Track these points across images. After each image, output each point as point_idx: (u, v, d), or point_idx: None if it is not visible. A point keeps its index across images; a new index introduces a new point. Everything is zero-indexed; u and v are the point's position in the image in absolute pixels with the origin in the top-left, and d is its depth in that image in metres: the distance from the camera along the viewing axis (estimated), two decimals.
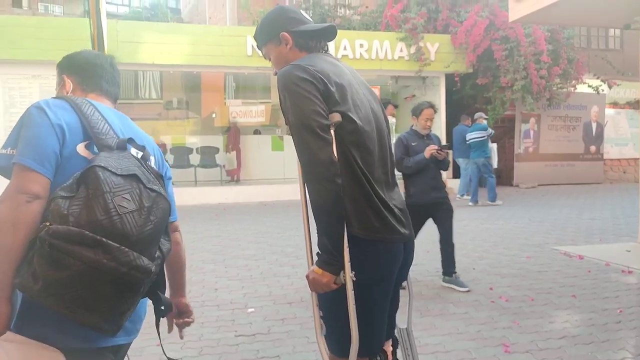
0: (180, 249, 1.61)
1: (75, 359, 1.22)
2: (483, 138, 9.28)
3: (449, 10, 11.64)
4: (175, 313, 1.64)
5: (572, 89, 12.51)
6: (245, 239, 6.43)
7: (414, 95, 12.53)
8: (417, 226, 3.97)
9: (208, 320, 3.47)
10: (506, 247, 5.59)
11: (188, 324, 1.68)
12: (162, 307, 1.39)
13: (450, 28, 11.38)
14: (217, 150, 11.14)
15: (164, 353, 1.53)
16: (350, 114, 1.46)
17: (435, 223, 4.17)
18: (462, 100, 12.31)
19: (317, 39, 1.62)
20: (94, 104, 1.36)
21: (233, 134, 11.44)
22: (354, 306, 1.42)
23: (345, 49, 10.60)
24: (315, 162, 1.37)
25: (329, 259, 1.40)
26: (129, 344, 1.43)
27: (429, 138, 4.17)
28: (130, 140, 1.33)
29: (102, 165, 1.17)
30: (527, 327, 3.22)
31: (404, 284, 1.77)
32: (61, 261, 1.08)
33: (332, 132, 1.42)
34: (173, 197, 1.49)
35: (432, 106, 4.14)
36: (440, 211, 4.12)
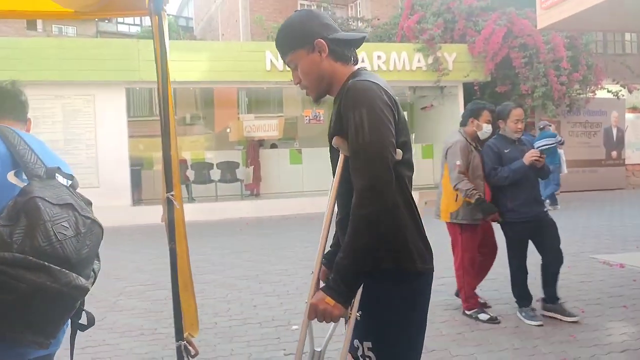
0: None
1: None
2: (552, 145, 9.08)
3: (466, 19, 11.63)
4: None
5: (592, 94, 12.38)
6: (274, 253, 6.37)
7: (432, 105, 12.50)
8: (523, 249, 3.55)
9: (253, 338, 3.41)
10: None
11: None
12: (86, 323, 1.50)
13: (468, 37, 11.36)
14: (237, 165, 11.16)
15: None
16: (408, 144, 1.42)
17: (536, 241, 3.61)
18: None
19: (352, 49, 1.50)
20: (16, 132, 1.39)
21: (252, 148, 11.47)
22: (348, 346, 1.37)
23: (362, 61, 10.61)
24: (377, 194, 1.27)
25: (347, 292, 1.31)
26: (53, 354, 1.53)
27: (521, 143, 3.67)
28: (57, 170, 1.39)
29: (41, 196, 1.25)
30: (585, 341, 3.11)
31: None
32: (7, 285, 1.16)
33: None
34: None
35: (520, 106, 3.73)
36: (546, 227, 3.56)
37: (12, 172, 1.32)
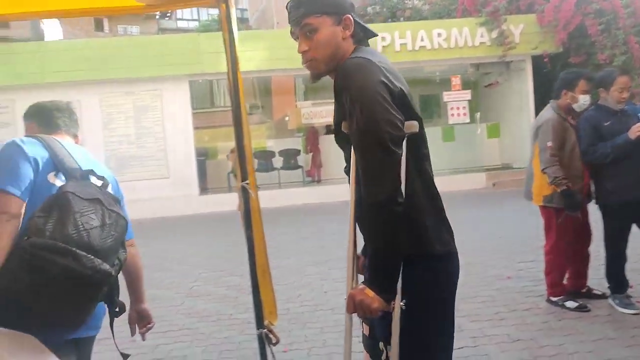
0: (138, 260, 1.83)
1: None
2: None
3: None
4: (137, 318, 1.88)
5: None
6: (340, 239, 6.34)
7: (497, 82, 11.89)
8: (624, 235, 3.22)
9: (326, 325, 3.41)
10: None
11: (149, 328, 1.93)
12: (117, 310, 1.64)
13: (536, 7, 10.64)
14: (298, 152, 11.23)
15: (117, 349, 1.70)
16: (420, 122, 1.32)
17: None
18: (551, 83, 11.48)
19: (366, 36, 1.45)
20: (59, 141, 1.63)
21: (311, 135, 11.50)
22: (397, 338, 1.28)
23: (422, 39, 10.26)
24: (382, 182, 1.21)
25: (387, 284, 1.25)
26: (92, 337, 1.68)
27: (624, 114, 3.19)
28: (91, 172, 1.60)
29: (72, 191, 1.44)
30: None
31: None
32: (39, 267, 1.34)
33: (404, 144, 1.26)
34: (129, 217, 1.64)
35: (626, 72, 3.28)
36: None
37: (52, 173, 1.53)
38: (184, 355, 3.10)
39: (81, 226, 1.40)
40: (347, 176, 1.49)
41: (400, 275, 1.26)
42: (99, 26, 31.73)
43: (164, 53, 9.86)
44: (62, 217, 1.39)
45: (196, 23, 36.85)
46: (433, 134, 11.53)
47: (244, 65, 8.51)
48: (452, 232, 1.39)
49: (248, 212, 2.03)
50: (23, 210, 1.43)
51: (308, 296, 4.07)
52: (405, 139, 1.26)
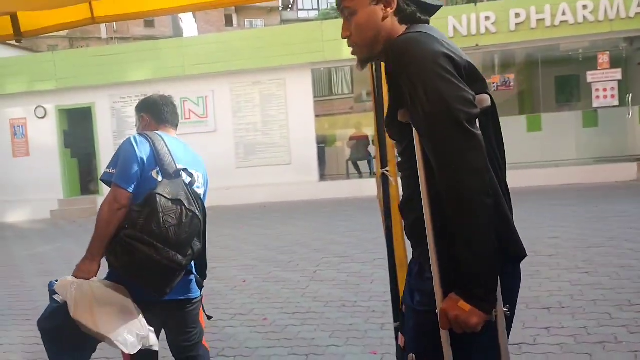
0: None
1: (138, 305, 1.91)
2: None
3: None
4: None
5: None
6: None
7: None
8: None
9: None
10: None
11: None
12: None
13: None
14: None
15: (204, 311, 2.16)
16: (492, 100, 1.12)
17: None
18: None
19: (426, 14, 1.22)
20: (163, 137, 1.97)
21: None
22: (507, 350, 1.10)
23: (564, 14, 9.20)
24: (466, 170, 1.02)
25: (484, 294, 1.05)
26: (183, 300, 2.01)
27: None
28: (184, 170, 1.94)
29: (160, 192, 1.80)
30: None
31: None
32: (130, 252, 1.77)
33: (477, 124, 1.06)
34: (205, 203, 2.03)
35: None
36: None
37: (155, 170, 1.90)
38: (312, 338, 3.15)
39: (162, 224, 1.77)
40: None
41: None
42: (228, 21, 34.04)
43: (287, 43, 10.19)
44: (150, 215, 1.77)
45: (316, 13, 37.70)
46: (570, 119, 10.37)
47: None
48: (518, 240, 1.19)
49: (388, 201, 1.94)
50: (130, 201, 1.84)
51: None
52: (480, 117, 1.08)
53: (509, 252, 1.16)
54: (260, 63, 10.24)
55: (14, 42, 8.81)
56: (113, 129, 10.92)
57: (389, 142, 1.96)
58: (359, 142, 11.02)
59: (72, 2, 2.08)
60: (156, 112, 2.09)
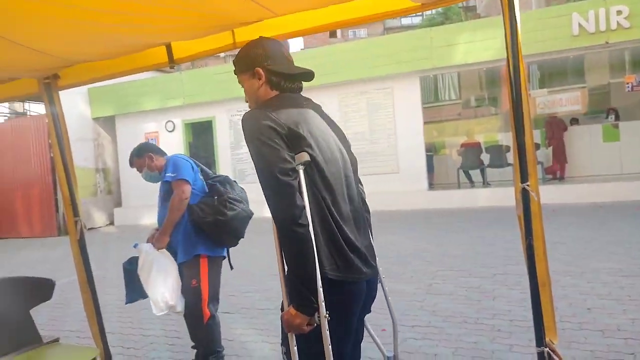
0: None
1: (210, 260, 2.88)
2: None
3: None
4: None
5: None
6: (596, 247, 5.47)
7: None
8: None
9: (598, 348, 2.93)
10: None
11: None
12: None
13: None
14: (537, 146, 10.14)
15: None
16: (316, 156, 1.48)
17: None
18: None
19: (292, 81, 1.64)
20: (187, 159, 3.02)
21: (553, 126, 10.24)
22: (330, 347, 1.43)
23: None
24: (281, 208, 1.42)
25: (302, 301, 1.43)
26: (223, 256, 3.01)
27: None
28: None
29: (223, 180, 3.00)
30: None
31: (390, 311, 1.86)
32: (232, 208, 2.83)
33: (301, 172, 1.46)
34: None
35: None
36: None
37: (199, 174, 2.94)
38: (434, 353, 3.08)
39: (238, 192, 2.93)
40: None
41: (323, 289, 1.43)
42: (332, 33, 34.85)
43: (394, 51, 10.14)
44: (231, 187, 2.92)
45: (419, 19, 37.10)
46: None
47: (483, 55, 8.06)
48: (353, 261, 1.51)
49: (529, 218, 1.83)
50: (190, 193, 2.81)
51: (568, 311, 3.59)
52: (303, 167, 1.46)
53: (330, 270, 1.47)
54: (367, 73, 10.32)
55: None
56: (230, 140, 11.73)
57: (530, 153, 1.86)
58: (471, 150, 10.57)
59: (217, 31, 2.28)
60: (157, 150, 3.15)
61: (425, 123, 10.65)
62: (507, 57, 1.89)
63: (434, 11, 33.02)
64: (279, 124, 1.46)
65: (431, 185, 10.65)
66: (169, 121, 12.27)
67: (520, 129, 1.85)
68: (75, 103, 12.05)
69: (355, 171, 1.71)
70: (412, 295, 4.32)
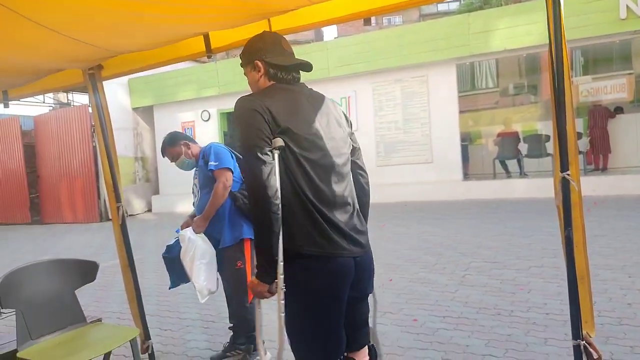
0: None
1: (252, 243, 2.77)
2: None
3: None
4: None
5: None
6: (634, 239, 5.27)
7: None
8: None
9: (637, 344, 2.84)
10: None
11: None
12: None
13: None
14: (579, 135, 9.77)
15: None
16: (293, 143, 1.60)
17: None
18: None
19: (288, 72, 1.75)
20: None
21: (596, 115, 9.84)
22: (283, 315, 1.59)
23: None
24: (255, 183, 1.55)
25: (264, 271, 1.60)
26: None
27: None
28: None
29: None
30: None
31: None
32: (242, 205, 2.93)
33: (275, 155, 1.58)
34: None
35: None
36: None
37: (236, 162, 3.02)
38: (466, 344, 3.05)
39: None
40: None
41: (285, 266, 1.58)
42: (367, 20, 34.42)
43: (430, 38, 9.94)
44: None
45: (456, 4, 36.09)
46: None
47: (524, 40, 7.80)
48: (334, 238, 1.61)
49: (568, 208, 1.79)
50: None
51: (606, 306, 3.48)
52: (278, 152, 1.58)
53: (308, 247, 1.59)
54: (402, 61, 10.17)
55: None
56: None
57: (571, 142, 1.81)
58: (508, 140, 10.29)
59: (254, 19, 2.30)
60: (190, 139, 3.27)
61: (461, 112, 10.42)
62: (550, 43, 1.83)
63: None
64: (264, 109, 1.59)
65: (466, 176, 10.46)
66: (204, 111, 12.49)
67: (561, 117, 1.80)
68: (116, 93, 12.44)
69: (355, 158, 1.85)
70: (444, 286, 4.28)
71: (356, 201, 1.80)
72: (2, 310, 4.88)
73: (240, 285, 2.92)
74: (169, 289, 3.18)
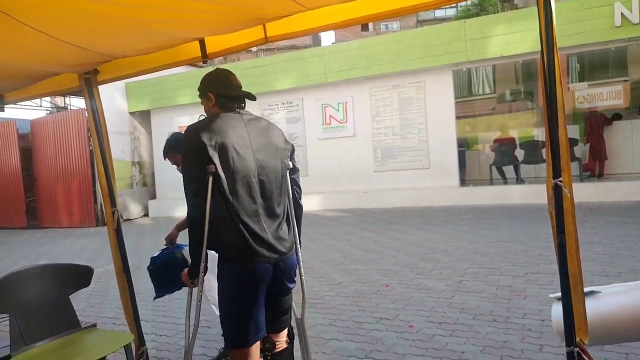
0: None
1: None
2: None
3: None
4: None
5: None
6: (630, 245, 5.28)
7: None
8: None
9: None
10: None
11: None
12: None
13: None
14: (575, 142, 9.82)
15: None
16: (221, 168, 1.90)
17: None
18: None
19: (233, 102, 2.08)
20: None
21: (592, 122, 9.88)
22: (199, 304, 2.08)
23: None
24: (188, 201, 1.93)
25: (192, 268, 2.04)
26: None
27: None
28: None
29: None
30: None
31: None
32: None
33: (210, 178, 1.90)
34: None
35: None
36: None
37: None
38: (461, 351, 3.05)
39: None
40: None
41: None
42: (364, 26, 34.57)
43: (428, 45, 9.98)
44: None
45: (453, 11, 36.32)
46: None
47: (519, 47, 7.81)
48: (253, 246, 1.92)
49: (561, 214, 1.79)
50: None
51: None
52: (211, 177, 1.90)
53: (231, 253, 1.94)
54: (399, 67, 10.20)
55: None
56: None
57: (563, 148, 1.81)
58: (505, 146, 10.32)
59: (249, 25, 2.32)
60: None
61: (457, 118, 10.46)
62: (542, 49, 1.84)
63: (469, 2, 32.25)
64: (201, 142, 1.90)
65: (463, 182, 10.47)
66: (201, 115, 12.42)
67: (554, 124, 1.81)
68: (113, 97, 12.43)
69: (294, 177, 2.20)
70: (440, 292, 4.28)
71: (289, 213, 2.14)
72: None
73: None
74: (154, 299, 3.16)
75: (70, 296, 2.78)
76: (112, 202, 2.86)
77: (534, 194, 9.03)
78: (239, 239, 1.91)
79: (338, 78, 10.70)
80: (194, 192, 1.91)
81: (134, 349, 2.79)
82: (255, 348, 2.00)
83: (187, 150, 1.96)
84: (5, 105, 3.22)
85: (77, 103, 15.68)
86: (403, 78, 10.36)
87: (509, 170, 10.27)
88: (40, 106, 15.47)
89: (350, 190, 10.83)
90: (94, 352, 2.52)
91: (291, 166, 2.17)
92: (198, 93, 2.15)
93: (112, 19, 1.91)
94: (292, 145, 2.23)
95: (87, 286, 2.86)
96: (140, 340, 2.95)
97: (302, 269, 2.25)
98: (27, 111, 14.82)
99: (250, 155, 1.97)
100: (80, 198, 12.28)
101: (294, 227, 2.15)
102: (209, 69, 12.35)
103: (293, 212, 2.18)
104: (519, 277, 4.53)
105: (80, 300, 4.71)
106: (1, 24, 1.75)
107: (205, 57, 2.56)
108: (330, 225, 8.68)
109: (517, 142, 10.51)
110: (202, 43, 2.54)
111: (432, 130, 10.15)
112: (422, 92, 10.24)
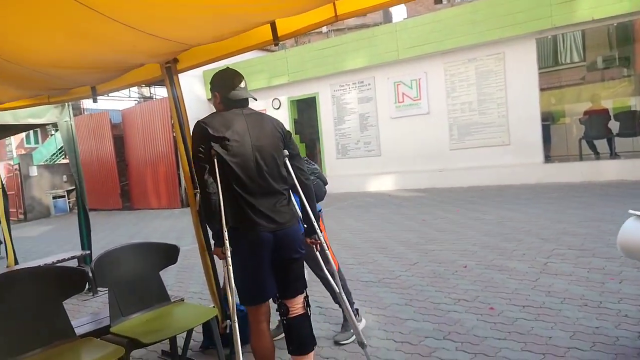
0: None
1: None
2: None
3: None
4: None
5: None
6: None
7: None
8: None
9: None
10: None
11: None
12: None
13: None
14: None
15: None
16: (224, 151, 2.26)
17: None
18: None
19: (237, 104, 2.41)
20: None
21: None
22: (230, 267, 2.16)
23: None
24: (198, 180, 2.30)
25: (215, 239, 2.31)
26: None
27: None
28: None
29: None
30: None
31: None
32: None
33: (215, 160, 2.26)
34: None
35: None
36: None
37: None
38: (548, 336, 2.89)
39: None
40: None
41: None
42: (437, 0, 33.06)
43: (508, 12, 9.35)
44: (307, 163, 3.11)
45: None
46: None
47: (615, 9, 7.10)
48: (252, 218, 2.25)
49: None
50: None
51: None
52: (216, 159, 2.25)
53: (235, 223, 2.26)
54: (476, 39, 9.67)
55: None
56: (334, 115, 11.86)
57: None
58: (597, 118, 9.48)
59: (320, 4, 2.29)
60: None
61: (541, 90, 9.75)
62: None
63: None
64: (206, 129, 2.26)
65: (548, 158, 9.80)
66: (275, 99, 12.74)
67: None
68: (192, 86, 13.03)
69: (294, 162, 2.45)
70: (524, 274, 4.07)
71: (287, 191, 2.41)
72: (97, 289, 5.33)
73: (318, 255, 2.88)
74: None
75: (160, 272, 2.98)
76: (194, 184, 3.01)
77: (630, 169, 8.25)
78: (241, 212, 2.26)
79: (410, 54, 10.38)
80: (200, 169, 2.26)
81: (218, 322, 2.95)
82: (264, 307, 2.34)
83: (195, 138, 2.30)
84: (97, 97, 3.47)
85: (162, 92, 16.65)
86: (480, 50, 9.82)
87: (601, 144, 9.44)
88: (129, 97, 16.62)
89: (425, 170, 10.56)
90: (182, 324, 2.70)
91: (287, 153, 2.44)
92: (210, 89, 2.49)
93: (188, 7, 1.98)
94: (289, 132, 2.53)
95: (174, 263, 3.05)
96: (223, 315, 3.11)
97: (323, 243, 2.54)
98: (118, 102, 15.99)
99: (249, 142, 2.30)
100: (166, 182, 13.12)
101: (301, 203, 2.47)
102: (280, 54, 12.57)
103: (301, 191, 2.45)
104: (614, 259, 4.18)
105: (169, 276, 5.06)
106: (92, 20, 1.87)
107: (276, 40, 2.57)
108: (405, 205, 8.54)
109: (612, 113, 9.60)
110: (273, 26, 2.55)
111: (513, 105, 9.56)
112: (502, 64, 9.65)
